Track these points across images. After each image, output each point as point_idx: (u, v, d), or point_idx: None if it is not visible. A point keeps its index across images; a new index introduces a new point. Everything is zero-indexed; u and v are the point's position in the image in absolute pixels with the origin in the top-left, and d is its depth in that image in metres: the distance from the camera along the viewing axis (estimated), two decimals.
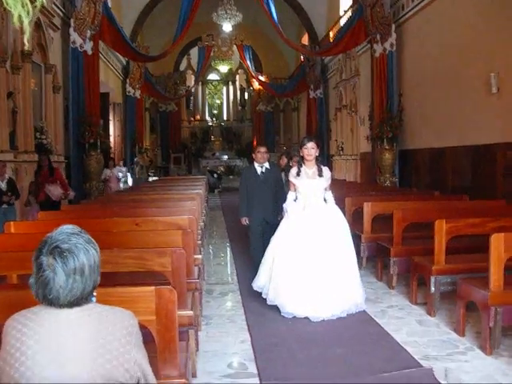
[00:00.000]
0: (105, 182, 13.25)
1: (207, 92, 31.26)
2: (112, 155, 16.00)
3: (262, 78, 25.31)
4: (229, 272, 7.68)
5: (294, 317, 5.12)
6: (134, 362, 1.83)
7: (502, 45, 8.38)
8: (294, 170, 5.59)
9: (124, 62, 19.28)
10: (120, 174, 14.18)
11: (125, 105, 19.67)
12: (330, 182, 5.61)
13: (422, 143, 11.78)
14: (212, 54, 23.96)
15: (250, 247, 6.95)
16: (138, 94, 20.47)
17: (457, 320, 4.68)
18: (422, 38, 11.67)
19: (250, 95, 30.43)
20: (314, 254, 5.23)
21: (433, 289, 5.10)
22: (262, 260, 5.63)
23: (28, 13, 2.33)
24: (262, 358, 4.17)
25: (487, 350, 4.12)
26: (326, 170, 5.60)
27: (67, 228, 1.89)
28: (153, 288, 2.67)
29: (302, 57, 22.39)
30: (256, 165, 6.87)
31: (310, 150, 5.58)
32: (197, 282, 4.66)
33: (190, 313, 3.71)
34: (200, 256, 5.66)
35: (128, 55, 16.31)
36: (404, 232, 6.09)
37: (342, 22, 16.61)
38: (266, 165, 6.87)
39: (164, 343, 2.67)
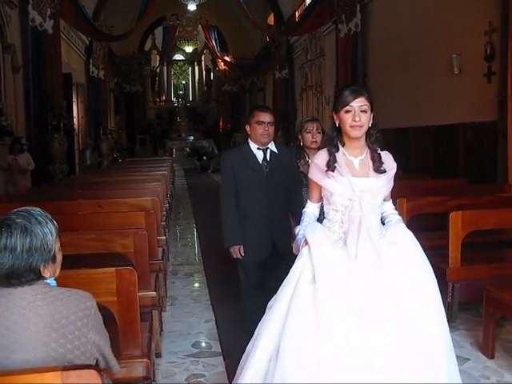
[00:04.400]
0: (9, 172, 9.66)
1: (172, 72, 30.92)
2: (75, 135, 15.72)
3: (228, 59, 25.16)
4: (194, 252, 7.70)
5: None
6: (90, 345, 1.83)
7: (463, 26, 8.48)
8: (320, 157, 2.79)
9: (87, 42, 18.91)
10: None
11: (88, 86, 19.33)
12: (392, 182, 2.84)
13: (386, 123, 11.87)
14: (177, 33, 23.68)
15: (241, 297, 4.08)
16: (101, 74, 20.11)
17: None
18: (387, 19, 11.73)
19: (215, 76, 30.24)
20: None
21: None
22: (259, 329, 2.71)
23: None
24: (226, 336, 4.21)
25: None
26: (387, 156, 2.82)
27: (27, 208, 1.91)
28: (113, 269, 2.68)
29: (267, 37, 22.31)
30: (253, 146, 3.86)
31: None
32: (160, 263, 4.68)
33: (153, 293, 3.73)
34: (164, 237, 5.68)
35: (90, 35, 16.01)
36: None
37: (308, 1, 16.57)
38: (272, 147, 3.88)
39: (125, 324, 2.68)
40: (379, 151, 2.79)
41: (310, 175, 2.84)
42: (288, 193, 3.89)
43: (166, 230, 6.67)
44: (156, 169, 11.05)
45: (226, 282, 5.55)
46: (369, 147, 2.78)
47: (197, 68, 30.94)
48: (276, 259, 3.83)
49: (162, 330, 4.22)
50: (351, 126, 2.68)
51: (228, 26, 26.33)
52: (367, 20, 12.68)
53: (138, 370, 2.69)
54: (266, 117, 3.82)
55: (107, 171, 11.63)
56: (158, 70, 28.48)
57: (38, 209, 1.94)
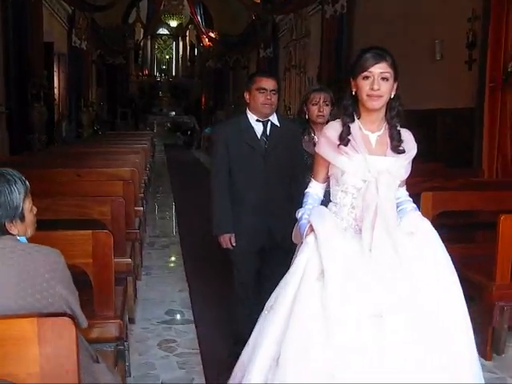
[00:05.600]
0: None
1: (156, 47, 30.56)
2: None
3: (213, 35, 24.98)
4: (172, 225, 7.77)
5: None
6: (58, 297, 1.89)
7: (447, 13, 8.55)
8: (331, 129, 2.45)
9: (70, 11, 18.62)
10: None
11: (70, 56, 19.07)
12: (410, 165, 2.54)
13: None
14: (162, 7, 23.41)
15: (234, 295, 3.53)
16: (84, 45, 19.86)
17: None
18: (372, 3, 11.75)
19: (199, 52, 30.00)
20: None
21: None
22: (256, 337, 2.36)
23: None
24: (199, 305, 4.31)
25: None
26: (407, 135, 2.53)
27: (0, 170, 1.96)
28: (90, 232, 2.75)
29: (253, 15, 22.18)
30: (251, 117, 3.35)
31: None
32: (137, 232, 4.74)
33: (128, 260, 3.80)
34: (141, 208, 5.74)
35: (73, 3, 15.77)
36: None
37: None
38: (274, 119, 3.38)
39: (100, 285, 2.75)
40: (399, 128, 2.45)
41: (317, 149, 2.47)
42: (289, 175, 3.37)
43: (144, 202, 6.71)
44: (136, 142, 11.06)
45: (201, 255, 5.66)
46: (388, 122, 2.43)
47: (181, 43, 30.63)
48: (274, 253, 3.32)
49: (136, 297, 4.31)
50: (368, 95, 2.31)
51: (214, 1, 26.11)
52: (354, 2, 12.69)
53: (111, 330, 2.76)
54: (269, 83, 3.29)
55: (87, 143, 11.59)
56: (141, 44, 28.16)
57: (10, 169, 1.99)
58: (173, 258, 5.92)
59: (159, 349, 3.58)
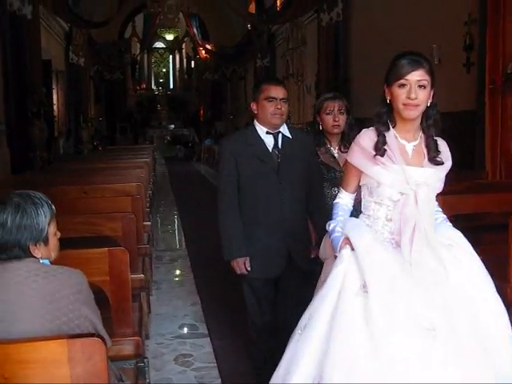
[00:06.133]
0: None
1: (153, 60, 30.67)
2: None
3: (209, 47, 25.07)
4: (177, 239, 7.77)
5: None
6: (84, 318, 1.90)
7: (444, 17, 8.60)
8: (365, 137, 2.32)
9: (66, 28, 18.71)
10: None
11: (68, 73, 19.15)
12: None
13: (368, 113, 12.00)
14: (158, 21, 23.51)
15: (252, 334, 3.23)
16: (81, 61, 19.95)
17: None
18: (368, 10, 11.80)
19: (196, 64, 30.09)
20: None
21: None
22: (288, 354, 2.21)
23: None
24: (212, 318, 4.31)
25: None
26: (443, 144, 2.39)
27: (28, 191, 2.00)
28: (105, 249, 2.75)
29: (249, 26, 22.28)
30: (261, 130, 3.11)
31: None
32: (147, 248, 4.74)
33: (141, 276, 3.80)
34: (149, 223, 5.73)
35: (70, 21, 15.83)
36: None
37: None
38: (285, 130, 3.14)
39: (118, 302, 2.74)
40: (435, 137, 2.31)
41: (349, 158, 2.33)
42: (305, 189, 3.11)
43: (150, 217, 6.72)
44: (138, 156, 11.06)
45: (210, 267, 5.65)
46: (424, 131, 2.31)
47: (177, 56, 30.75)
48: (291, 276, 3.06)
49: (149, 312, 4.30)
50: (405, 104, 2.19)
51: (209, 13, 26.18)
52: (350, 10, 12.74)
53: (130, 347, 2.76)
54: (278, 91, 3.03)
55: (89, 159, 11.59)
56: (138, 58, 28.27)
57: (39, 193, 2.01)
58: (182, 272, 5.92)
59: (176, 364, 3.59)
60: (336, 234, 2.28)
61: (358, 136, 2.34)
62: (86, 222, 3.86)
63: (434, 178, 2.25)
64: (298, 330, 2.20)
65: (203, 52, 26.18)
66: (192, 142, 24.54)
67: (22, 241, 1.90)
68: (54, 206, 2.00)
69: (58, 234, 2.05)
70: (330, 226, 2.34)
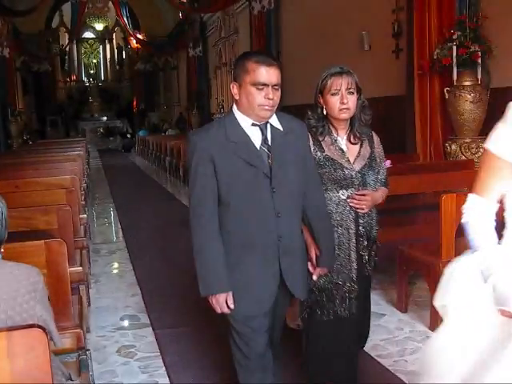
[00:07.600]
0: None
1: (83, 51, 29.88)
2: None
3: (140, 36, 24.66)
4: (114, 231, 7.66)
5: None
6: (37, 318, 1.85)
7: (372, 5, 8.79)
8: (502, 131, 1.58)
9: None
10: None
11: None
12: None
13: (300, 99, 12.15)
14: (86, 10, 22.90)
15: (240, 370, 2.38)
16: (6, 52, 19.19)
17: None
18: None
19: (128, 54, 29.56)
20: None
21: None
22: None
23: None
24: (154, 309, 4.27)
25: None
26: None
27: None
28: (42, 242, 2.69)
29: (180, 14, 22.06)
30: (244, 121, 2.26)
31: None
32: (83, 240, 4.66)
33: (80, 269, 3.73)
34: (85, 215, 5.63)
35: None
36: None
37: None
38: (274, 120, 2.30)
39: (57, 295, 2.69)
40: None
41: (493, 147, 1.61)
42: (301, 196, 2.36)
43: (86, 209, 6.59)
44: (70, 149, 10.85)
45: (150, 258, 5.63)
46: None
47: (108, 46, 30.07)
48: (282, 300, 2.41)
49: (89, 305, 4.23)
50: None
51: (140, 2, 25.76)
52: None
53: (71, 340, 2.71)
54: (271, 75, 2.18)
55: (19, 153, 11.22)
56: (67, 49, 27.46)
57: None
58: (121, 264, 5.82)
59: (119, 355, 3.53)
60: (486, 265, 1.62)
61: (498, 125, 1.61)
62: (20, 217, 3.74)
63: None
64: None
65: (134, 42, 25.75)
66: (132, 134, 24.16)
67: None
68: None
69: None
70: (482, 265, 1.63)
